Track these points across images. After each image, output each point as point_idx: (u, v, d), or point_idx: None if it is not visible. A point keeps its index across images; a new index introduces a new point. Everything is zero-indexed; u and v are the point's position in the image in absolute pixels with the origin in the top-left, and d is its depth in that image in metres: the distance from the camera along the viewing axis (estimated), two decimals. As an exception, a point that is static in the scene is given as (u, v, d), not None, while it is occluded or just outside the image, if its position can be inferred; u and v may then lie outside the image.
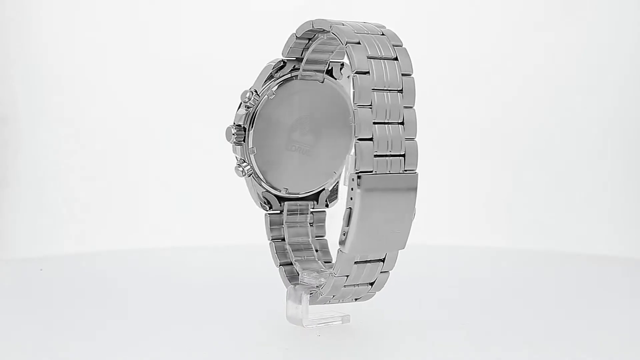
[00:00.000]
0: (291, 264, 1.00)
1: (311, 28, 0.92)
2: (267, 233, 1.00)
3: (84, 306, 1.06)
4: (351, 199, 0.86)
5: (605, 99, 1.80)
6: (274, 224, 1.00)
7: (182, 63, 1.78)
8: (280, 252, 1.00)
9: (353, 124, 0.86)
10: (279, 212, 1.00)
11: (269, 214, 1.00)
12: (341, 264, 0.89)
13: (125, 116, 1.80)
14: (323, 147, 1.00)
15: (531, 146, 1.82)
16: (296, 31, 0.94)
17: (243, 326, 0.97)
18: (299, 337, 0.92)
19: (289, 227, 1.01)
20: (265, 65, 0.97)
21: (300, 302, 0.94)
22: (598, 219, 1.81)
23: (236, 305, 1.07)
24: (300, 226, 1.01)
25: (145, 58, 1.80)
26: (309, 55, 0.97)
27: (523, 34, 1.82)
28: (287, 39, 0.95)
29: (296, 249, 1.00)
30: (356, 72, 0.86)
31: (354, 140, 0.86)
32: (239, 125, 0.95)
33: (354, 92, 0.86)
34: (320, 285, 0.93)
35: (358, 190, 0.86)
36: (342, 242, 0.88)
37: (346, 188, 0.87)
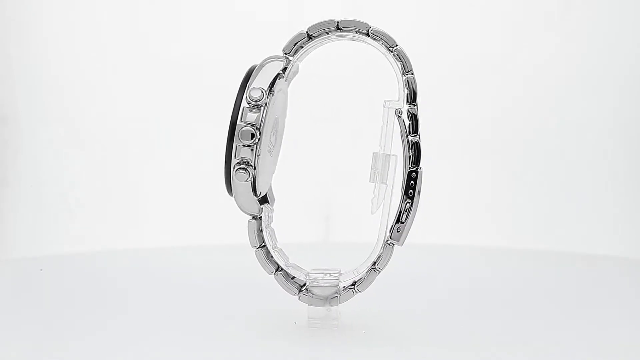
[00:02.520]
0: (280, 268, 0.96)
1: (333, 27, 0.92)
2: (252, 241, 0.95)
3: (84, 306, 1.06)
4: (411, 192, 0.93)
5: (606, 99, 1.80)
6: (258, 230, 0.96)
7: (181, 63, 1.78)
8: (269, 259, 0.96)
9: (408, 123, 0.93)
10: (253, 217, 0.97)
11: (254, 219, 0.96)
12: (388, 258, 0.93)
13: (125, 116, 1.80)
14: (277, 148, 1.00)
15: (532, 146, 1.82)
16: (309, 29, 0.92)
17: (243, 326, 0.97)
18: (302, 337, 0.92)
19: (268, 232, 0.98)
20: (267, 61, 0.93)
21: (331, 304, 0.94)
22: (598, 219, 1.81)
23: (236, 305, 1.07)
24: (271, 230, 0.99)
25: (144, 58, 1.80)
26: (301, 55, 0.96)
27: (524, 34, 1.82)
28: (293, 36, 0.93)
29: (278, 252, 0.97)
30: (412, 73, 0.93)
31: (408, 138, 0.93)
32: (255, 126, 0.91)
33: (408, 93, 0.93)
34: (348, 283, 0.95)
35: (419, 187, 0.93)
36: (396, 237, 0.93)
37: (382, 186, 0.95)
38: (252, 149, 0.91)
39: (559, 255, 1.56)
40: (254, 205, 0.94)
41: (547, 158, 1.82)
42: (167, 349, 0.89)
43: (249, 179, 0.91)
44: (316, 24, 0.92)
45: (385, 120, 0.96)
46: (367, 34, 0.93)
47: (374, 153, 0.97)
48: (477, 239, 1.75)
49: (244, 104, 0.91)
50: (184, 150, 1.78)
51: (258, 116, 0.91)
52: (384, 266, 0.94)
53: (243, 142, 0.90)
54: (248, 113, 0.91)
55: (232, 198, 0.94)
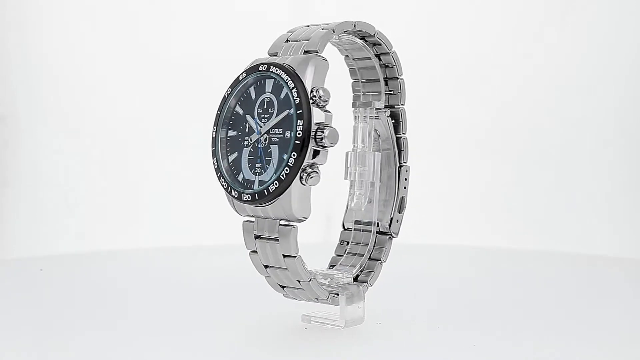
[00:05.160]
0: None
1: (352, 28, 0.92)
2: (294, 248, 0.88)
3: (84, 306, 1.06)
4: (405, 188, 0.97)
5: (605, 98, 1.80)
6: None
7: (181, 63, 1.78)
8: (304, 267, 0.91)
9: (393, 122, 0.97)
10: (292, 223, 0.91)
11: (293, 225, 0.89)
12: (389, 250, 0.97)
13: (124, 116, 1.80)
14: None
15: (531, 146, 1.82)
16: (335, 28, 0.91)
17: (243, 327, 0.97)
18: (303, 337, 0.92)
19: None
20: (318, 60, 0.87)
21: (362, 300, 0.94)
22: (598, 219, 1.81)
23: (236, 306, 1.07)
24: None
25: (144, 58, 1.80)
26: None
27: (523, 34, 1.83)
28: (323, 34, 0.89)
29: None
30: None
31: (401, 136, 0.97)
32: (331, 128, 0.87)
33: (399, 93, 0.97)
34: (362, 279, 0.97)
35: (409, 180, 0.96)
36: (395, 229, 0.97)
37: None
38: (327, 151, 0.86)
39: (559, 255, 1.56)
40: (309, 209, 0.87)
41: (546, 158, 1.82)
42: (167, 349, 0.89)
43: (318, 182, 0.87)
44: (341, 24, 0.91)
45: (364, 120, 0.97)
46: (368, 37, 0.94)
47: (348, 152, 0.98)
48: (476, 239, 1.75)
49: (313, 105, 0.85)
50: (183, 150, 1.79)
51: (330, 117, 0.87)
52: (387, 258, 0.97)
53: (330, 144, 0.85)
54: (323, 114, 0.86)
55: (260, 208, 0.87)
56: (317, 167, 0.85)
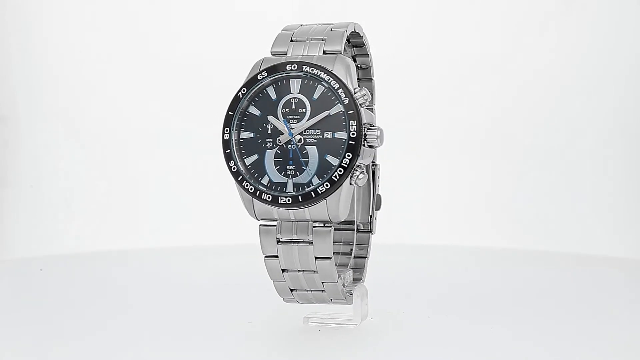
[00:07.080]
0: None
1: (353, 30, 0.92)
2: (331, 249, 0.87)
3: (84, 306, 1.07)
4: (378, 185, 0.96)
5: (606, 99, 1.80)
6: None
7: (181, 63, 1.78)
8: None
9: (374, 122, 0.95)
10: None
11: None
12: (371, 246, 0.98)
13: (124, 116, 1.80)
14: None
15: (532, 146, 1.82)
16: (347, 28, 0.90)
17: (244, 327, 0.97)
18: (303, 337, 0.93)
19: None
20: (347, 63, 0.87)
21: (367, 296, 0.94)
22: (598, 219, 1.81)
23: (237, 306, 1.07)
24: None
25: (144, 58, 1.80)
26: None
27: (524, 34, 1.82)
28: (341, 34, 0.89)
29: None
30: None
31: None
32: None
33: (372, 93, 0.96)
34: (355, 277, 0.97)
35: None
36: (373, 227, 0.97)
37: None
38: (373, 151, 0.86)
39: (559, 255, 1.56)
40: (348, 210, 0.87)
41: (547, 158, 1.82)
42: (167, 349, 0.89)
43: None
44: (349, 24, 0.91)
45: None
46: (353, 39, 0.94)
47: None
48: (477, 239, 1.75)
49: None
50: (184, 150, 1.79)
51: (374, 117, 0.87)
52: (370, 255, 0.98)
53: (380, 144, 0.85)
54: (369, 114, 0.86)
55: (306, 209, 0.86)
56: (363, 167, 0.85)
